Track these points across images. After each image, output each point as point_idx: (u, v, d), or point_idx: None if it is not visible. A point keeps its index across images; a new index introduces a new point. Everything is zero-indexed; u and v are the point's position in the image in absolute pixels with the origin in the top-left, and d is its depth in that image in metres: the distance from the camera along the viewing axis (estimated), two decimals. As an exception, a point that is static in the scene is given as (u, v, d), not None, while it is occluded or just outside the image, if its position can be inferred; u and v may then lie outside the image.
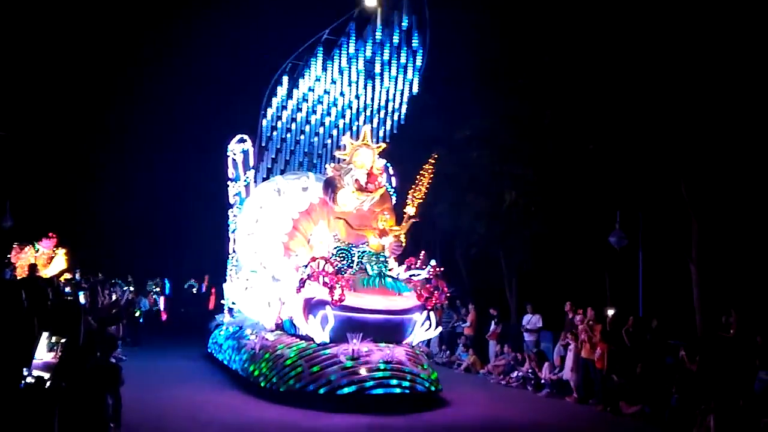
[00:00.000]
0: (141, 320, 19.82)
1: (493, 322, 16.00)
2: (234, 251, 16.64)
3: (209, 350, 16.30)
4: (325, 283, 10.82)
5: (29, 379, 6.17)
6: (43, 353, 7.02)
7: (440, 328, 12.15)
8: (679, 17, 14.08)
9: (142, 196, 24.40)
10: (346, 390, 10.33)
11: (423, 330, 11.75)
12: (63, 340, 6.46)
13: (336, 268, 11.15)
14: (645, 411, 10.45)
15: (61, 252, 17.37)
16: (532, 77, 16.91)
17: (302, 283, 11.08)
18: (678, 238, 15.57)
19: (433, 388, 11.01)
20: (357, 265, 12.16)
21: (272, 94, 15.53)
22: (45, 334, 6.61)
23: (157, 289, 22.38)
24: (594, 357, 11.58)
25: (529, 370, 13.34)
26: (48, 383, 6.14)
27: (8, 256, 17.29)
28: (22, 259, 16.87)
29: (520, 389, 13.24)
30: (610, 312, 12.44)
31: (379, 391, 10.37)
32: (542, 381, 12.88)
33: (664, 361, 11.13)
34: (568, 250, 18.40)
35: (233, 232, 16.76)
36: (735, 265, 15.26)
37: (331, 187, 12.23)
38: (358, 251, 12.38)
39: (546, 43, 16.54)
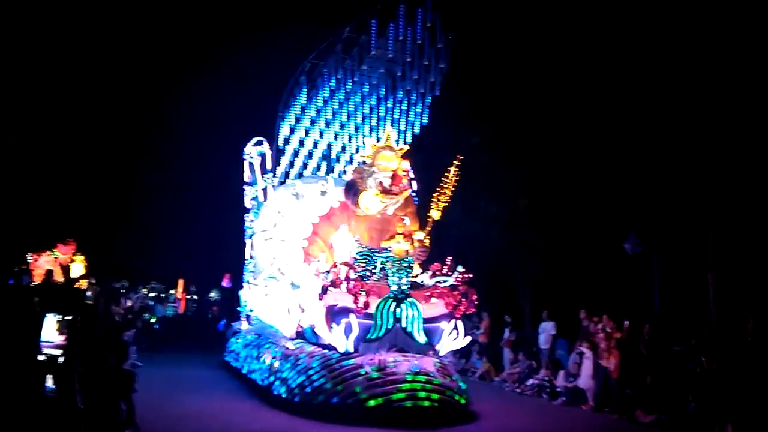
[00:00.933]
0: (156, 326, 19.62)
1: (507, 330, 15.77)
2: (251, 257, 16.26)
3: (226, 358, 15.91)
4: (348, 290, 10.37)
5: (40, 357, 6.18)
6: (53, 335, 6.86)
7: (469, 338, 11.64)
8: (690, 14, 14.12)
9: (157, 200, 24.12)
10: (372, 402, 9.84)
11: (451, 339, 11.25)
12: (70, 318, 6.40)
13: (360, 274, 10.69)
14: (661, 420, 10.27)
15: (80, 258, 17.00)
16: (545, 82, 16.84)
17: (324, 290, 10.63)
18: (694, 244, 15.47)
19: (462, 401, 10.50)
20: (381, 271, 11.75)
21: (290, 95, 15.13)
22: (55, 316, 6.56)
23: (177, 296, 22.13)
24: (611, 365, 11.49)
25: (545, 378, 13.17)
26: (61, 359, 6.13)
27: (27, 262, 16.93)
28: (40, 265, 16.50)
29: (535, 397, 13.01)
30: (626, 323, 12.09)
31: (408, 404, 9.87)
32: (557, 389, 12.67)
33: (681, 370, 10.86)
34: (583, 257, 18.23)
35: (250, 237, 16.37)
36: (752, 271, 15.03)
37: (353, 190, 11.81)
38: (381, 257, 11.95)
39: (562, 47, 16.52)
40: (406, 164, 11.27)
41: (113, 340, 7.28)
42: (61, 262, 16.78)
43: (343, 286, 10.64)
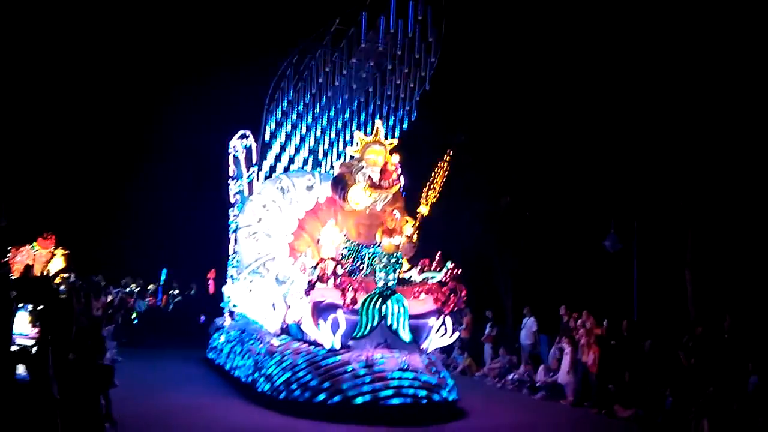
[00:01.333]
0: (135, 321, 19.25)
1: (488, 325, 15.83)
2: (235, 252, 15.99)
3: (209, 355, 15.65)
4: (336, 286, 10.20)
5: (13, 348, 6.23)
6: (26, 327, 6.85)
7: (457, 334, 11.53)
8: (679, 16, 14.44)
9: (140, 194, 23.66)
10: (359, 400, 9.69)
11: (438, 336, 11.13)
12: (40, 308, 6.46)
13: (347, 269, 10.51)
14: (639, 414, 10.45)
15: (60, 252, 16.98)
16: (527, 80, 17.09)
17: (311, 285, 10.45)
18: (672, 242, 15.76)
19: (450, 398, 10.40)
20: (368, 266, 11.60)
21: (277, 87, 14.87)
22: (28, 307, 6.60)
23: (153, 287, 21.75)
24: (590, 361, 11.69)
25: (525, 374, 13.34)
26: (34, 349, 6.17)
27: (6, 257, 16.80)
28: (20, 260, 16.44)
29: (515, 392, 13.16)
30: (605, 322, 12.37)
31: (395, 401, 9.74)
32: (537, 384, 12.85)
33: (658, 365, 11.06)
34: (563, 254, 18.40)
35: (234, 231, 16.10)
36: (729, 268, 15.37)
37: (340, 184, 11.63)
38: (369, 252, 11.80)
39: (543, 47, 16.76)
40: (395, 158, 11.10)
41: (91, 334, 7.04)
42: (40, 257, 16.74)
43: (330, 281, 10.46)
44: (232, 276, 15.89)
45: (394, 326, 10.24)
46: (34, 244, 17.01)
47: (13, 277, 14.66)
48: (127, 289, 18.61)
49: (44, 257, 16.90)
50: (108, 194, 24.48)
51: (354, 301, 10.06)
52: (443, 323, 11.05)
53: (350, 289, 10.13)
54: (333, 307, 10.32)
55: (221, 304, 16.57)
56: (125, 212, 24.26)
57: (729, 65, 14.28)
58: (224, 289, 16.31)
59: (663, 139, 15.27)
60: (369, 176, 11.04)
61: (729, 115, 14.38)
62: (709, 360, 10.23)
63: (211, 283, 20.05)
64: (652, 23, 15.49)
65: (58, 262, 16.97)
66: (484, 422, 10.34)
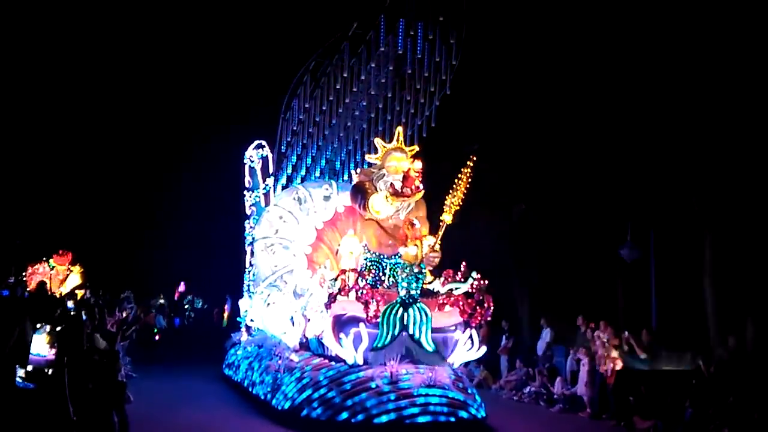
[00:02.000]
0: (156, 338, 19.05)
1: (504, 337, 15.45)
2: (251, 264, 15.64)
3: (225, 371, 15.24)
4: (358, 298, 9.75)
5: (28, 368, 6.35)
6: (44, 348, 7.12)
7: (484, 348, 11.00)
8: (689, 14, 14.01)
9: (158, 210, 23.53)
10: (384, 418, 9.20)
11: (465, 350, 10.62)
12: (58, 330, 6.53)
13: (369, 281, 10.07)
14: (658, 426, 10.05)
15: (76, 269, 17.21)
16: (539, 89, 16.77)
17: (332, 298, 10.01)
18: (691, 250, 15.28)
19: (480, 416, 9.87)
20: (390, 278, 11.16)
21: (293, 95, 14.54)
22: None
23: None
24: (608, 372, 11.47)
25: (541, 386, 13.11)
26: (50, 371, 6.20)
27: (23, 274, 17.10)
28: (37, 277, 16.61)
29: (532, 405, 12.89)
30: (626, 334, 11.99)
31: (422, 419, 9.23)
32: (555, 396, 12.60)
33: (678, 376, 10.79)
34: (580, 263, 17.95)
35: (250, 244, 15.76)
36: (750, 277, 14.60)
37: (360, 193, 11.20)
38: (390, 263, 11.36)
39: (556, 53, 16.38)
40: (418, 165, 10.59)
41: (105, 350, 7.09)
42: (57, 274, 16.96)
43: (352, 294, 10.02)
44: (248, 289, 15.52)
45: (416, 335, 9.74)
46: (51, 260, 17.26)
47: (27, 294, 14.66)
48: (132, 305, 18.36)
49: (61, 274, 17.12)
50: (126, 211, 24.34)
51: (377, 314, 9.59)
52: (470, 336, 10.55)
53: (373, 301, 9.65)
54: (355, 321, 9.87)
55: (237, 319, 16.20)
56: (143, 229, 24.09)
57: (749, 71, 13.83)
58: (240, 302, 15.93)
59: (679, 145, 14.91)
60: (391, 183, 10.60)
61: (748, 118, 13.93)
62: (730, 370, 10.05)
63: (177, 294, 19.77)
64: (672, 31, 15.10)
65: (74, 279, 17.20)
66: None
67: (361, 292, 9.71)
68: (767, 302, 13.71)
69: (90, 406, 5.89)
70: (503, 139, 17.71)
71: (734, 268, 14.69)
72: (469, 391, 10.03)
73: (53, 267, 17.13)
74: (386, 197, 10.64)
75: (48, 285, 15.72)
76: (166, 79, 22.90)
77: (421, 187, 10.60)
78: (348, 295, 10.15)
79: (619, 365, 11.37)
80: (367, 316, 9.56)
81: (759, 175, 14.07)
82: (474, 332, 10.67)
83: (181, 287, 19.65)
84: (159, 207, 23.47)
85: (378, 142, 11.54)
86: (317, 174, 15.49)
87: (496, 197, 18.25)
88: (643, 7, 15.22)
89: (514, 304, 19.02)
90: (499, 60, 17.51)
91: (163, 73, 22.93)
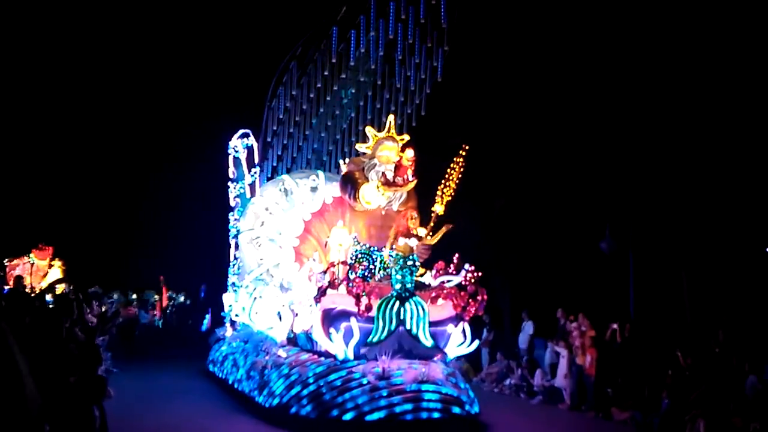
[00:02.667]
0: (137, 333, 18.65)
1: (485, 330, 15.34)
2: (236, 258, 15.22)
3: (209, 367, 14.83)
4: (349, 291, 9.41)
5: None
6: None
7: (477, 342, 10.74)
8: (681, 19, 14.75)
9: (137, 202, 22.91)
10: (375, 415, 8.88)
11: (457, 344, 10.34)
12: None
13: (360, 273, 9.73)
14: (636, 417, 10.39)
15: (58, 264, 17.22)
16: (519, 83, 17.04)
17: (322, 291, 9.67)
18: (668, 243, 15.82)
19: (473, 411, 9.60)
20: (380, 270, 10.85)
21: (279, 82, 14.08)
22: None
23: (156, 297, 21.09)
24: (586, 364, 11.64)
25: (522, 378, 13.27)
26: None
27: (5, 267, 17.01)
28: (17, 272, 16.50)
29: (513, 397, 13.10)
30: (614, 326, 12.09)
31: (414, 416, 8.94)
32: (534, 388, 12.80)
33: (656, 368, 10.89)
34: (560, 257, 18.24)
35: (234, 237, 15.33)
36: (725, 269, 15.35)
37: (350, 183, 10.85)
38: (381, 255, 11.04)
39: (539, 48, 16.75)
40: (410, 153, 10.27)
41: (84, 344, 6.83)
42: (37, 269, 16.98)
43: (342, 287, 9.69)
44: (233, 284, 15.09)
45: (414, 330, 9.44)
46: (31, 255, 17.18)
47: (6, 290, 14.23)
48: (120, 299, 18.12)
49: (41, 270, 17.10)
50: (107, 205, 23.71)
51: (369, 307, 9.26)
52: (462, 330, 10.27)
53: (364, 295, 9.31)
54: (345, 315, 9.53)
55: (221, 314, 15.78)
56: (124, 224, 23.50)
57: (721, 70, 14.42)
58: (224, 297, 15.49)
59: (657, 140, 15.31)
60: (383, 173, 10.25)
61: (723, 116, 14.45)
62: (706, 361, 10.19)
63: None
64: (650, 26, 15.47)
65: (55, 274, 17.09)
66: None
67: (352, 285, 9.36)
68: (742, 294, 14.36)
69: (70, 400, 5.70)
70: (485, 133, 17.67)
71: (711, 261, 15.39)
72: (462, 387, 9.75)
73: (34, 262, 17.07)
74: (377, 187, 10.32)
75: (28, 280, 16.00)
76: (146, 66, 22.26)
77: (414, 176, 10.24)
78: (338, 289, 9.84)
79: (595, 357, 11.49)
80: (359, 309, 9.22)
81: (734, 172, 14.62)
82: (466, 326, 10.40)
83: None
84: (140, 200, 22.86)
85: (369, 130, 11.18)
86: (304, 164, 15.09)
87: (478, 191, 18.24)
88: (628, 7, 15.38)
89: (495, 297, 19.04)
90: (484, 54, 17.49)
91: (144, 61, 22.28)
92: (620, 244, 15.96)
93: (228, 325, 15.00)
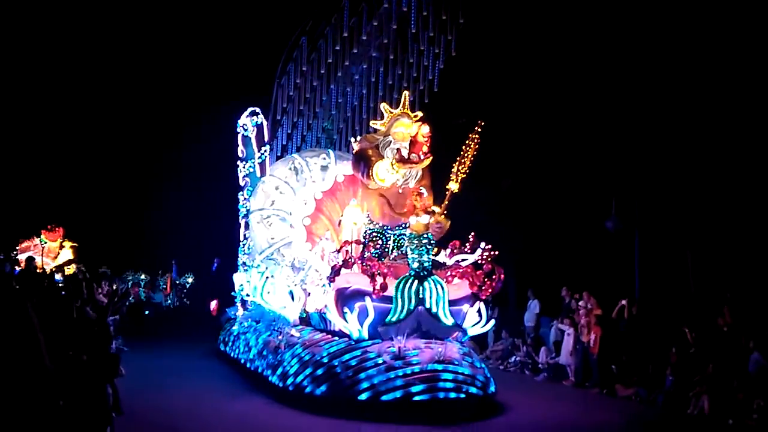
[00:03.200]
0: (147, 312, 18.71)
1: (489, 308, 15.09)
2: (246, 238, 15.07)
3: (220, 347, 14.79)
4: (363, 271, 9.24)
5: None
6: None
7: (493, 321, 10.58)
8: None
9: (147, 183, 22.75)
10: (391, 395, 8.78)
11: (473, 323, 10.20)
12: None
13: (373, 252, 9.55)
14: (640, 393, 10.58)
15: (68, 245, 17.26)
16: (527, 62, 17.14)
17: (336, 271, 9.50)
18: (673, 222, 15.96)
19: (489, 391, 9.49)
20: (394, 249, 10.69)
21: (289, 58, 13.76)
22: None
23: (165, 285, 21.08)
24: (591, 342, 11.80)
25: (526, 355, 13.42)
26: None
27: (16, 249, 17.24)
28: (29, 252, 16.60)
29: (518, 374, 13.26)
30: (623, 302, 12.28)
31: (431, 396, 8.82)
32: (539, 365, 12.92)
33: (660, 345, 11.11)
34: (565, 235, 18.31)
35: (244, 216, 15.17)
36: (730, 249, 15.48)
37: (363, 161, 10.62)
38: (394, 234, 10.86)
39: (545, 30, 16.80)
40: (426, 129, 9.98)
41: (96, 322, 6.90)
42: (48, 250, 17.18)
43: (356, 266, 9.53)
44: (243, 263, 14.97)
45: (434, 309, 9.27)
46: (42, 236, 17.31)
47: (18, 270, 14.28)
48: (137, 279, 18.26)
49: (53, 251, 17.26)
50: (116, 186, 23.57)
51: (384, 287, 9.09)
52: (478, 310, 10.12)
53: (379, 274, 9.14)
54: (360, 294, 9.39)
55: (232, 293, 15.70)
56: (134, 204, 23.39)
57: (727, 56, 14.56)
58: (234, 277, 15.38)
59: (662, 120, 15.40)
60: (398, 150, 10.00)
61: (730, 94, 14.54)
62: (711, 339, 10.29)
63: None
64: (660, 17, 15.56)
65: (66, 254, 17.15)
66: (528, 418, 9.41)
67: (367, 265, 9.19)
68: (747, 272, 14.43)
69: (83, 377, 5.76)
70: (492, 113, 17.62)
71: (715, 239, 15.49)
72: (478, 366, 9.62)
73: (45, 243, 17.15)
74: (392, 164, 10.08)
75: (39, 261, 15.81)
76: (156, 45, 21.91)
77: (429, 153, 9.98)
78: (352, 268, 9.69)
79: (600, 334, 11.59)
80: (374, 289, 9.05)
81: (739, 151, 14.69)
82: (482, 305, 10.24)
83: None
84: (150, 180, 22.70)
85: (384, 107, 10.92)
86: (313, 143, 14.85)
87: (484, 170, 18.25)
88: None
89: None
90: (493, 31, 17.29)
91: (153, 40, 21.90)
92: (626, 223, 15.93)
93: (239, 304, 14.92)
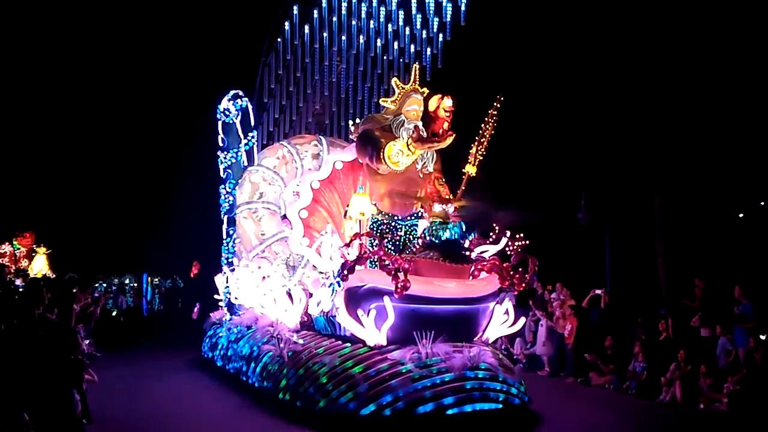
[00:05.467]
0: (121, 319, 17.40)
1: None
2: (229, 235, 13.69)
3: (205, 355, 13.42)
4: (382, 267, 8.04)
5: None
6: None
7: (523, 320, 9.49)
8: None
9: (120, 183, 21.15)
10: (421, 409, 7.61)
11: (499, 323, 9.12)
12: None
13: (390, 245, 8.38)
14: (613, 381, 11.03)
15: (42, 251, 17.29)
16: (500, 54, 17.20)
17: (350, 268, 8.28)
18: (643, 213, 16.39)
19: (526, 399, 8.41)
20: (405, 243, 9.53)
21: (277, 32, 12.37)
22: None
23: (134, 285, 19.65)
24: (565, 332, 12.17)
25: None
26: None
27: None
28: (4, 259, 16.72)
29: None
30: (598, 291, 12.89)
31: (467, 407, 7.70)
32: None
33: (632, 334, 11.63)
34: (537, 228, 17.91)
35: (227, 212, 13.77)
36: (697, 238, 16.09)
37: (371, 143, 9.34)
38: (405, 225, 9.69)
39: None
40: (449, 102, 8.72)
41: (60, 328, 6.74)
42: (22, 255, 17.30)
43: (372, 261, 8.34)
44: (228, 263, 13.59)
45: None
46: (15, 242, 17.22)
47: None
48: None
49: (25, 255, 17.37)
50: (89, 189, 21.93)
51: (406, 285, 7.88)
52: (506, 310, 9.05)
53: (400, 270, 7.93)
54: (376, 294, 8.17)
55: (214, 297, 14.30)
56: (110, 207, 21.89)
57: (691, 50, 15.00)
58: (216, 279, 13.98)
59: (629, 110, 15.70)
60: (415, 127, 8.76)
61: (693, 84, 14.96)
62: (681, 327, 10.92)
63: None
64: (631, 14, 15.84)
65: (40, 261, 17.13)
66: (564, 428, 8.37)
67: (387, 263, 7.96)
68: (713, 260, 14.94)
69: (46, 383, 5.86)
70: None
71: (683, 229, 16.04)
72: (515, 371, 8.54)
73: (18, 249, 17.24)
74: (406, 145, 8.85)
75: (10, 268, 15.97)
76: (121, 29, 20.13)
77: (451, 130, 8.76)
78: (365, 264, 8.50)
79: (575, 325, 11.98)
80: (396, 288, 7.83)
81: (705, 141, 15.13)
82: (509, 302, 9.17)
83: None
84: (123, 180, 21.11)
85: (395, 82, 9.70)
86: (302, 130, 13.57)
87: (453, 161, 17.71)
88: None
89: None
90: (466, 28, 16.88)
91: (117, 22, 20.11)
92: (595, 215, 16.42)
93: (225, 309, 13.54)
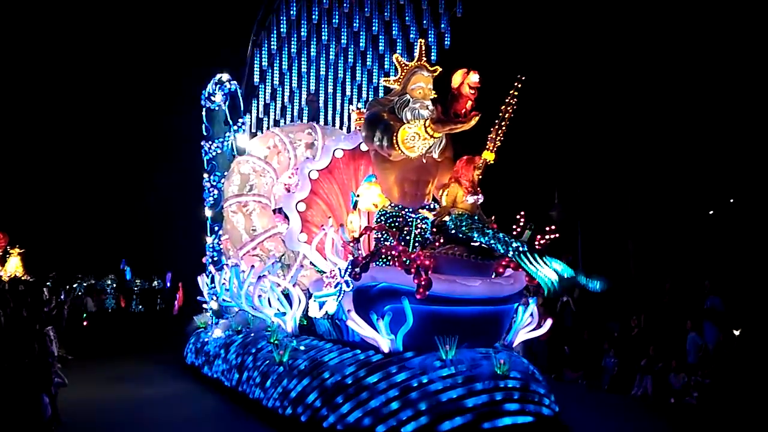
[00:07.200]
0: (85, 323, 16.29)
1: None
2: (215, 231, 12.66)
3: (189, 361, 12.38)
4: (400, 264, 7.12)
5: None
6: None
7: (550, 322, 8.65)
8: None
9: (98, 181, 19.94)
10: (447, 424, 6.72)
11: (524, 326, 8.29)
12: None
13: (419, 240, 7.49)
14: (587, 376, 11.16)
15: (15, 252, 17.20)
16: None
17: (363, 265, 7.35)
18: (615, 212, 16.76)
19: (556, 409, 7.59)
20: (415, 236, 8.64)
21: (268, 12, 11.36)
22: None
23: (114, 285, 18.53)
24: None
25: None
26: None
27: None
28: None
29: None
30: (565, 298, 12.69)
31: (499, 423, 6.82)
32: None
33: (604, 330, 11.76)
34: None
35: (211, 206, 12.74)
36: (668, 237, 16.28)
37: (381, 127, 8.37)
38: (417, 218, 8.79)
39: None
40: (475, 77, 7.74)
41: (31, 331, 6.90)
42: None
43: (386, 257, 7.43)
44: (215, 262, 12.55)
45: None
46: None
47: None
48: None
49: None
50: (65, 188, 20.69)
51: (428, 284, 6.97)
52: (532, 312, 8.23)
53: (421, 268, 7.02)
54: (392, 294, 7.26)
55: (198, 299, 13.25)
56: (86, 207, 20.70)
57: (661, 50, 15.44)
58: (200, 279, 12.91)
59: (603, 111, 15.96)
60: (437, 106, 7.83)
61: (664, 85, 15.30)
62: (651, 321, 10.98)
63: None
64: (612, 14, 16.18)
65: (13, 262, 16.94)
66: None
67: (406, 256, 7.06)
68: (683, 258, 15.10)
69: (12, 387, 5.85)
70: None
71: (654, 228, 16.20)
72: (542, 380, 7.70)
73: None
74: (423, 127, 7.91)
75: None
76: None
77: (476, 109, 7.84)
78: (378, 261, 7.58)
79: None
80: (418, 288, 6.92)
81: (675, 142, 15.43)
82: (534, 305, 8.35)
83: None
84: (102, 178, 19.91)
85: (397, 58, 8.79)
86: (296, 117, 12.59)
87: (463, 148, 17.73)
88: None
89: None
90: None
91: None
92: (568, 213, 16.36)
93: (210, 312, 12.49)
